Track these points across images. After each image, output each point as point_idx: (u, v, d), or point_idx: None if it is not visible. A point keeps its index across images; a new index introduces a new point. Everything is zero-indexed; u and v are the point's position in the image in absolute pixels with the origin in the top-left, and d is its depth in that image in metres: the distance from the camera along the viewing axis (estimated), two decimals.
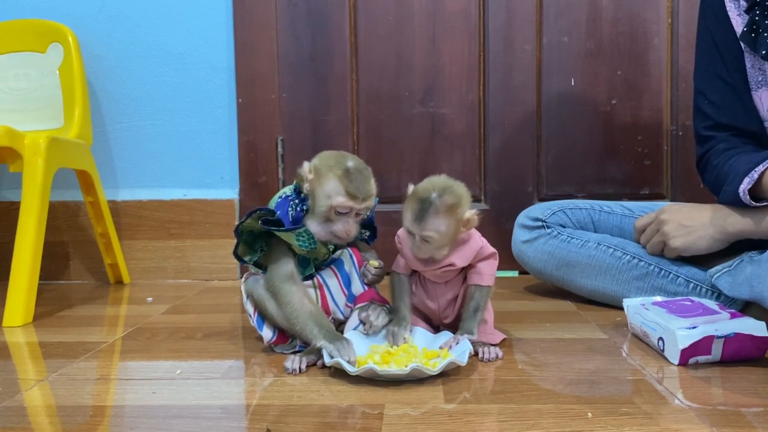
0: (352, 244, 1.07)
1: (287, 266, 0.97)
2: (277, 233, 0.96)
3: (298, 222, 0.96)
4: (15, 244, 1.30)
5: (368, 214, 1.05)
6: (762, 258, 1.04)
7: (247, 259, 1.00)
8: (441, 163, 1.70)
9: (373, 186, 0.97)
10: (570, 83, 1.70)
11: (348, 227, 0.95)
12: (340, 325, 1.05)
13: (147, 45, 1.72)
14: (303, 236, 0.95)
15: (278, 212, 0.96)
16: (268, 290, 0.98)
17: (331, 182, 0.94)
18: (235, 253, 1.00)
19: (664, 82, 1.70)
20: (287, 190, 1.01)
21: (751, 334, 0.92)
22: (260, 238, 1.00)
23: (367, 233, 1.09)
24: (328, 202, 0.94)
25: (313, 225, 0.96)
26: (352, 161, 0.96)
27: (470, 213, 0.94)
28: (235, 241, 0.99)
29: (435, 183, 0.94)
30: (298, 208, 0.97)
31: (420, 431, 0.71)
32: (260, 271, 1.02)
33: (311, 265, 1.01)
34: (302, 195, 0.98)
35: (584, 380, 0.87)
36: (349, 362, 0.87)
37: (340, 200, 0.94)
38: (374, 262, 1.03)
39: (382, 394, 0.82)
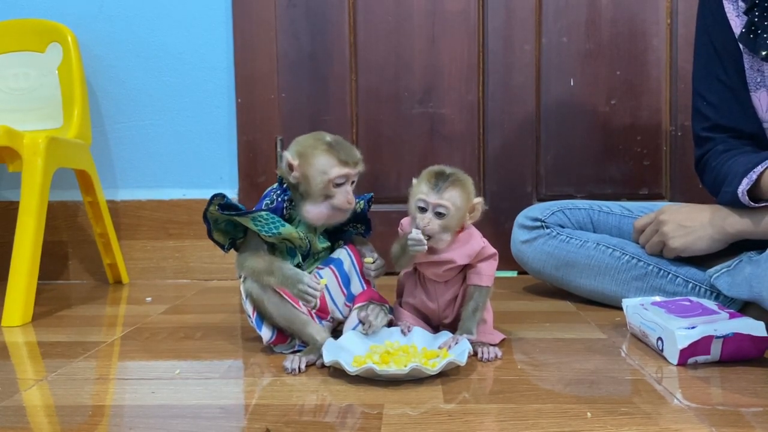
0: (348, 241, 1.07)
1: (254, 248, 0.99)
2: (236, 218, 0.98)
3: (277, 211, 0.98)
4: (14, 244, 1.30)
5: (362, 207, 1.06)
6: (761, 258, 1.04)
7: (221, 241, 1.03)
8: (440, 164, 1.69)
9: (358, 151, 1.00)
10: (569, 83, 1.70)
11: (349, 197, 0.98)
12: (339, 324, 1.05)
13: (146, 45, 1.72)
14: (260, 221, 0.96)
15: (259, 204, 1.00)
16: (239, 269, 1.00)
17: (321, 158, 0.97)
18: (211, 237, 1.02)
19: (663, 82, 1.70)
20: (275, 185, 1.03)
21: (750, 334, 0.92)
22: (240, 227, 1.02)
23: (363, 227, 1.10)
24: (325, 177, 0.96)
25: (313, 209, 0.98)
26: (329, 136, 0.99)
27: (477, 200, 0.97)
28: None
29: (444, 167, 0.97)
30: (279, 198, 0.99)
31: (419, 431, 0.71)
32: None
33: (298, 255, 1.02)
34: (284, 185, 1.00)
35: (583, 380, 0.87)
36: (309, 285, 0.92)
37: (336, 170, 0.96)
38: (369, 259, 1.03)
39: (381, 393, 0.82)
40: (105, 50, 1.72)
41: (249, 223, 0.98)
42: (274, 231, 0.97)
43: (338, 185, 0.97)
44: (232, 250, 1.04)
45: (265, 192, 1.02)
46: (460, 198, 0.94)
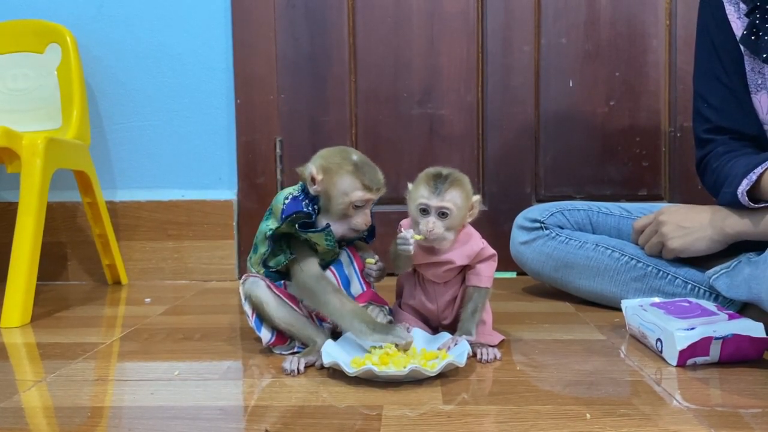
0: (349, 244, 1.07)
1: (315, 266, 0.98)
2: (311, 236, 0.97)
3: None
4: (13, 245, 1.30)
5: None
6: (760, 259, 1.04)
7: (272, 264, 1.00)
8: (439, 164, 1.69)
9: (381, 174, 0.99)
10: (568, 84, 1.71)
11: (366, 219, 0.99)
12: (338, 326, 1.05)
13: (145, 46, 1.72)
14: (330, 236, 0.98)
15: (288, 210, 0.98)
16: (301, 291, 0.98)
17: (346, 179, 0.96)
18: (265, 264, 1.00)
19: (662, 83, 1.70)
20: (293, 190, 1.00)
21: (749, 335, 0.92)
22: (280, 240, 0.99)
23: (365, 232, 1.09)
24: (347, 199, 0.96)
25: (330, 223, 0.98)
26: (355, 155, 0.98)
27: (475, 198, 0.98)
28: (252, 247, 1.03)
29: (440, 168, 0.97)
30: (310, 208, 0.98)
31: None
32: (262, 272, 1.02)
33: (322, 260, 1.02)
34: (307, 192, 0.99)
35: (582, 381, 0.87)
36: (405, 344, 0.90)
37: (359, 194, 0.96)
38: (371, 260, 1.03)
39: (380, 395, 0.82)
40: (104, 51, 1.72)
41: (321, 239, 0.97)
42: (334, 245, 0.99)
43: (358, 207, 0.98)
44: (265, 261, 1.02)
45: (289, 197, 0.98)
46: (460, 197, 0.94)
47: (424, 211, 0.94)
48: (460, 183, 0.96)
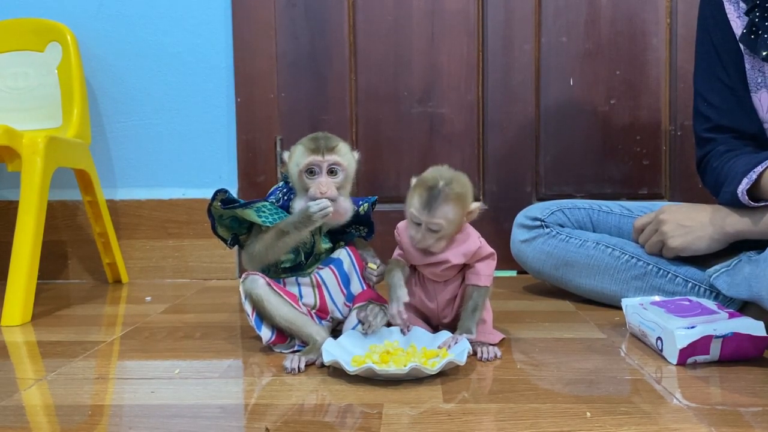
0: (349, 242, 1.07)
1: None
2: (238, 212, 0.99)
3: (285, 209, 0.99)
4: (13, 244, 1.30)
5: (365, 210, 1.06)
6: (760, 258, 1.04)
7: (228, 240, 1.06)
8: (439, 163, 1.69)
9: (337, 140, 0.99)
10: (569, 83, 1.70)
11: (321, 187, 0.96)
12: (338, 324, 1.06)
13: (146, 44, 1.72)
14: (264, 211, 0.98)
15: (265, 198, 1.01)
16: (249, 264, 1.02)
17: (297, 150, 0.99)
18: (215, 232, 1.05)
19: (662, 82, 1.70)
20: (281, 183, 1.04)
21: (750, 334, 0.92)
22: (244, 223, 1.03)
23: (365, 230, 1.10)
24: (297, 168, 0.97)
25: (296, 205, 0.99)
26: (319, 133, 1.00)
27: (475, 205, 0.97)
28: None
29: (442, 172, 0.96)
30: (285, 197, 1.00)
31: (419, 431, 0.71)
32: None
33: (301, 253, 1.01)
34: (290, 185, 1.01)
35: (583, 380, 0.87)
36: (318, 206, 0.93)
37: (304, 159, 0.97)
38: (373, 265, 1.03)
39: (380, 393, 0.82)
40: (104, 49, 1.72)
41: (252, 215, 0.98)
42: (278, 221, 0.97)
43: (311, 175, 0.97)
44: (215, 231, 1.06)
45: (271, 190, 1.03)
46: (453, 212, 0.94)
47: (417, 222, 0.95)
48: (455, 198, 0.94)
